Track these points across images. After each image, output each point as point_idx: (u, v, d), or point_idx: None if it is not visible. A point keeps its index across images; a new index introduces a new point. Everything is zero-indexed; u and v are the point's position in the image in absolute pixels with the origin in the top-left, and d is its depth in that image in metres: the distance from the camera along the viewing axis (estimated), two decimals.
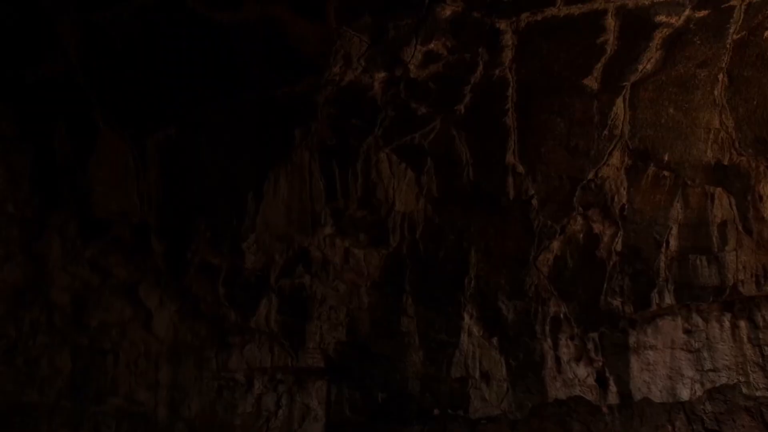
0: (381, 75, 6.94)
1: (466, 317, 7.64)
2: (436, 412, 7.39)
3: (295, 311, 7.49)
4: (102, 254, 7.13)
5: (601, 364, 7.55)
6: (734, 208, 7.49)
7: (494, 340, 7.65)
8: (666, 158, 7.42)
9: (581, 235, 7.68)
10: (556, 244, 7.68)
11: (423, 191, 7.64)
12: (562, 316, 7.64)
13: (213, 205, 7.29)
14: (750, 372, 7.45)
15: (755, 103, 7.21)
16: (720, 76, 7.10)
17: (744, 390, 7.42)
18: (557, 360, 7.54)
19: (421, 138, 7.43)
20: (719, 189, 7.51)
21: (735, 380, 7.43)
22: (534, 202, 7.57)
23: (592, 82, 7.08)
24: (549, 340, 7.59)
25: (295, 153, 7.31)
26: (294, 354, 7.41)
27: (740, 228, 7.48)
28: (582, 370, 7.53)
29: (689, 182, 7.49)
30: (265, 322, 7.39)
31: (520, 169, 7.51)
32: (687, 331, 7.54)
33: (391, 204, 7.62)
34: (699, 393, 7.43)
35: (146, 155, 6.96)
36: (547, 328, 7.62)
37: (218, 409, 7.14)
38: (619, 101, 7.20)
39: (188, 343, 7.20)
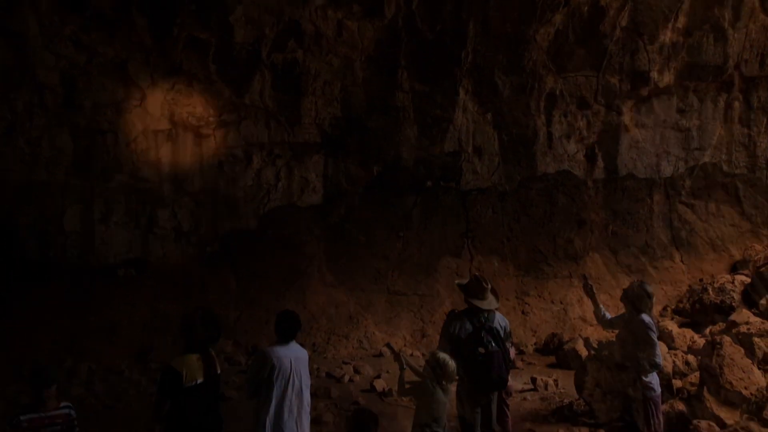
0: None
1: (462, 92, 7.56)
2: (429, 183, 7.70)
3: (289, 87, 7.39)
4: (83, 31, 6.81)
5: (591, 140, 7.69)
6: None
7: (488, 116, 7.67)
8: None
9: (586, 8, 7.25)
10: (558, 17, 7.28)
11: None
12: (557, 92, 7.56)
13: None
14: (734, 151, 7.65)
15: None
16: None
17: (724, 168, 7.70)
18: (549, 136, 7.65)
19: None
20: None
21: (718, 159, 7.67)
22: None
23: None
24: (543, 116, 7.61)
25: None
26: (290, 129, 7.49)
27: (757, 3, 7.05)
28: (572, 146, 7.69)
29: None
30: (259, 98, 7.34)
31: None
32: (680, 111, 7.55)
33: None
34: (681, 170, 7.71)
35: None
36: (542, 104, 7.58)
37: (220, 183, 7.44)
38: None
39: (185, 122, 7.23)
